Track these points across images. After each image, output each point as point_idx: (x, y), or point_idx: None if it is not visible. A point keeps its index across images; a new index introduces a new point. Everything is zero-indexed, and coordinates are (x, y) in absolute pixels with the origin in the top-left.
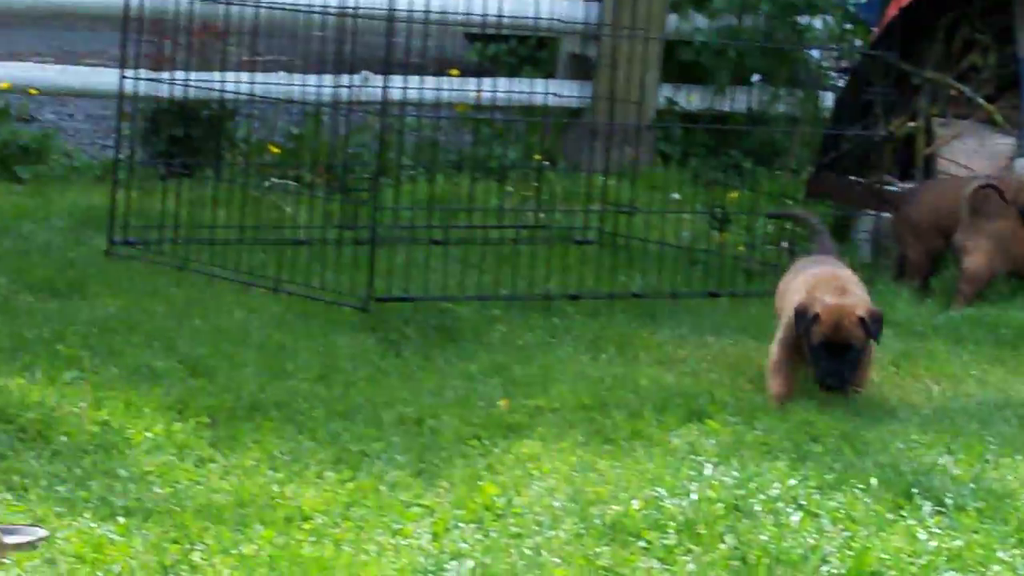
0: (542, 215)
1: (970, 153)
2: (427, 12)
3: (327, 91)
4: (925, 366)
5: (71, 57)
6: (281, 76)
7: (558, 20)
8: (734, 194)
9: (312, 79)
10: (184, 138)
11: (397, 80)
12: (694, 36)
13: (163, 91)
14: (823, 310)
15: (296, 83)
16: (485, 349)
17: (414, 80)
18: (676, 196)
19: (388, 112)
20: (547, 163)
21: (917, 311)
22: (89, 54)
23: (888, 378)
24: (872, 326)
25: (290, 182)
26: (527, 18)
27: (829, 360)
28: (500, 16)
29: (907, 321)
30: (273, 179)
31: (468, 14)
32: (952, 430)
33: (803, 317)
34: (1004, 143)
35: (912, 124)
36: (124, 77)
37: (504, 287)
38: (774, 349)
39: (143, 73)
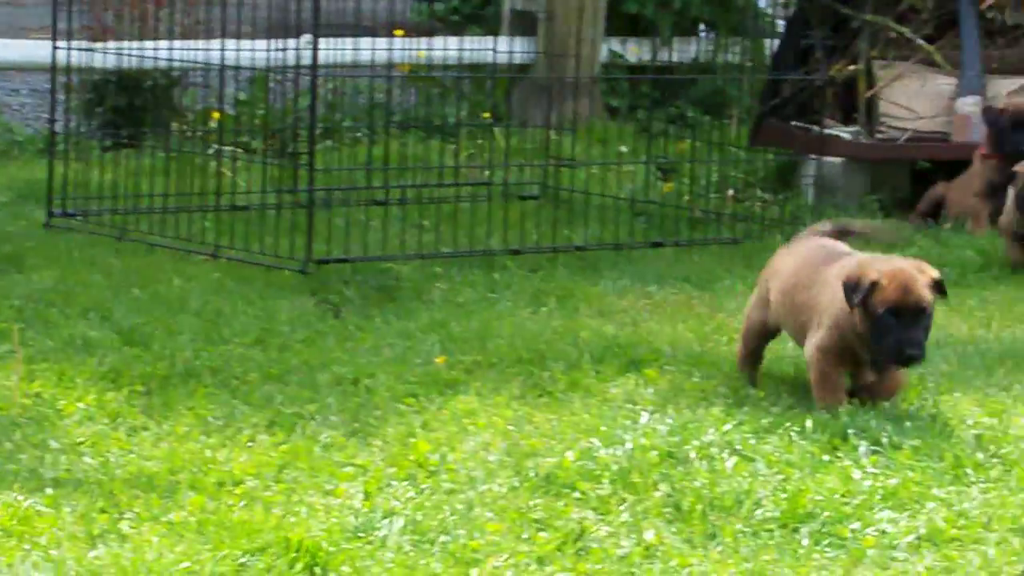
0: (486, 172)
1: (911, 95)
2: None
3: (274, 56)
4: None
5: (22, 34)
6: (225, 43)
7: None
8: (682, 145)
9: (259, 44)
10: (127, 108)
11: (344, 42)
12: None
13: (98, 62)
14: (885, 274)
15: (242, 48)
16: (425, 307)
17: (364, 42)
18: (623, 149)
19: (322, 75)
20: (494, 120)
21: None
22: (41, 29)
23: None
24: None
25: (236, 148)
26: None
27: (902, 329)
28: None
29: None
30: (216, 146)
31: None
32: None
33: (856, 288)
34: (945, 83)
35: (853, 67)
36: (56, 48)
37: (445, 245)
38: (817, 355)
39: (78, 44)
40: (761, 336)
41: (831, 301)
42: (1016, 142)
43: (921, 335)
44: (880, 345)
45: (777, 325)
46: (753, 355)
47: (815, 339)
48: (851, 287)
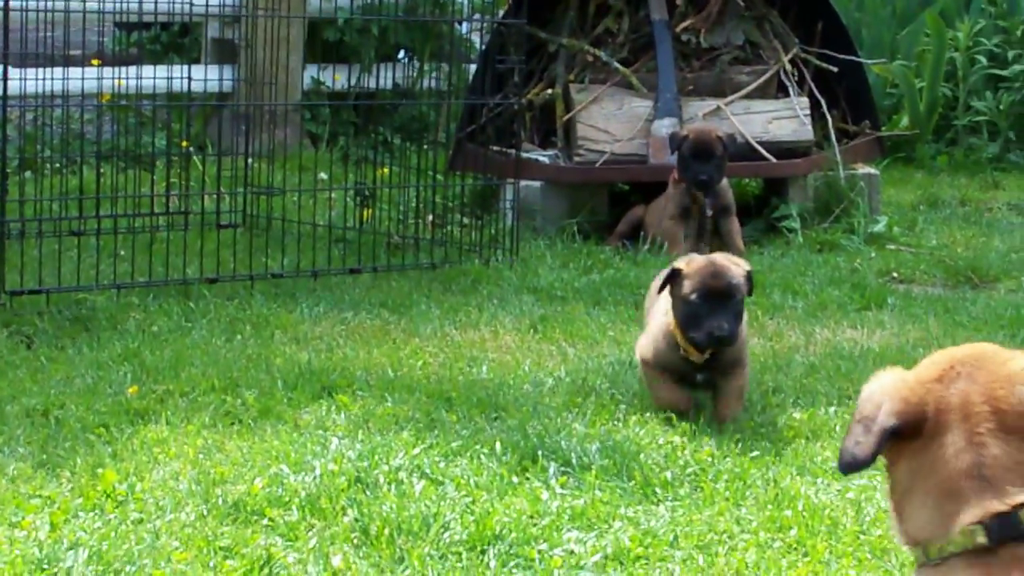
0: (184, 199)
1: (608, 117)
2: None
3: None
4: (562, 329)
5: None
6: None
7: (198, 4)
8: (383, 171)
9: None
10: None
11: (42, 72)
12: (336, 14)
13: None
14: (693, 263)
15: None
16: (119, 337)
17: (62, 72)
18: (323, 176)
19: (16, 106)
20: (193, 149)
21: (559, 276)
22: None
23: (525, 343)
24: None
25: None
26: (168, 3)
27: (710, 312)
28: (141, 3)
29: (548, 286)
30: None
31: (112, 3)
32: (584, 391)
33: (668, 276)
34: (642, 106)
35: (550, 91)
36: None
37: (141, 275)
38: (640, 362)
39: None
40: None
41: (657, 310)
42: (695, 171)
43: (731, 318)
44: (690, 329)
45: None
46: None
47: (638, 346)
48: (662, 277)
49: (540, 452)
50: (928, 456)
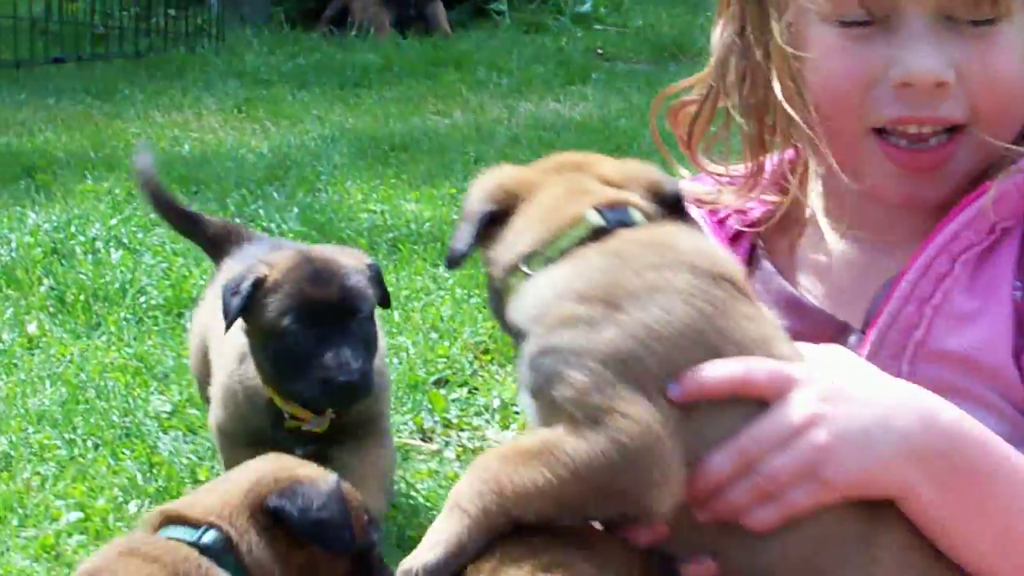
0: None
1: None
2: None
3: None
4: (267, 109)
5: None
6: None
7: None
8: None
9: None
10: None
11: None
12: None
13: None
14: (272, 264)
15: None
16: None
17: None
18: None
19: None
20: None
21: (266, 61)
22: None
23: (229, 123)
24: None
25: None
26: None
27: (320, 346)
28: None
29: (254, 71)
30: None
31: None
32: (285, 165)
33: (236, 291)
34: None
35: None
36: None
37: None
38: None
39: None
40: None
41: (225, 346)
42: None
43: (357, 348)
44: (287, 376)
45: None
46: None
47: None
48: (229, 292)
49: (238, 221)
50: (525, 211)
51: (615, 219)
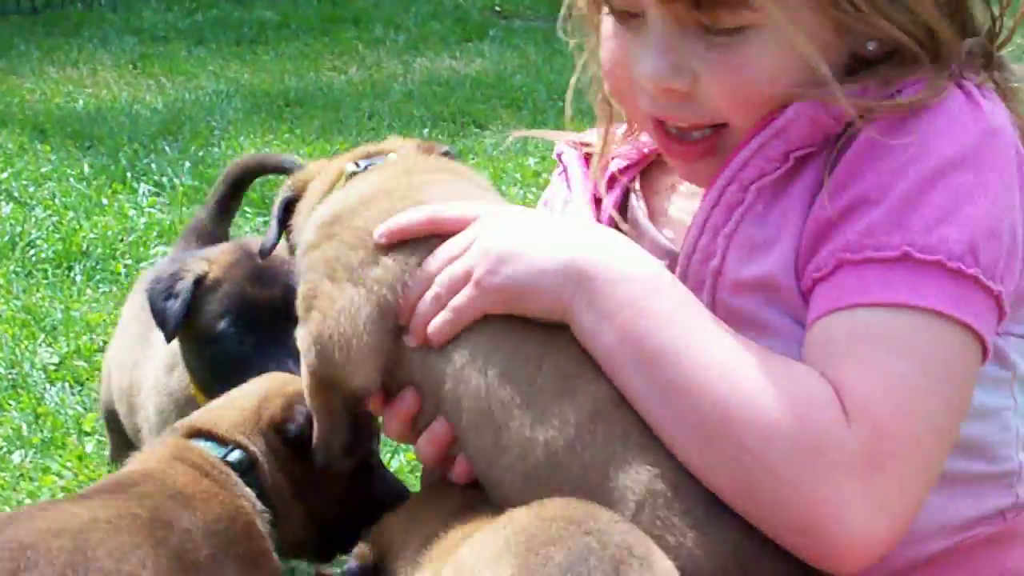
0: None
1: None
2: None
3: None
4: (162, 66)
5: None
6: None
7: None
8: None
9: None
10: None
11: None
12: None
13: None
14: (212, 260)
15: None
16: None
17: None
18: None
19: None
20: None
21: (163, 18)
22: None
23: (124, 78)
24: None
25: None
26: None
27: (263, 349)
28: None
29: (151, 27)
30: None
31: None
32: (179, 120)
33: (172, 294)
34: None
35: None
36: None
37: None
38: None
39: None
40: None
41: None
42: None
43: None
44: (224, 385)
45: None
46: None
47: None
48: (161, 296)
49: (130, 175)
50: (309, 190)
51: (367, 164)
